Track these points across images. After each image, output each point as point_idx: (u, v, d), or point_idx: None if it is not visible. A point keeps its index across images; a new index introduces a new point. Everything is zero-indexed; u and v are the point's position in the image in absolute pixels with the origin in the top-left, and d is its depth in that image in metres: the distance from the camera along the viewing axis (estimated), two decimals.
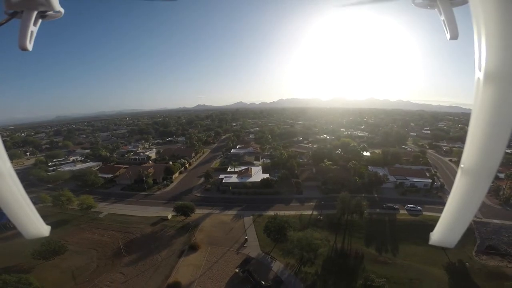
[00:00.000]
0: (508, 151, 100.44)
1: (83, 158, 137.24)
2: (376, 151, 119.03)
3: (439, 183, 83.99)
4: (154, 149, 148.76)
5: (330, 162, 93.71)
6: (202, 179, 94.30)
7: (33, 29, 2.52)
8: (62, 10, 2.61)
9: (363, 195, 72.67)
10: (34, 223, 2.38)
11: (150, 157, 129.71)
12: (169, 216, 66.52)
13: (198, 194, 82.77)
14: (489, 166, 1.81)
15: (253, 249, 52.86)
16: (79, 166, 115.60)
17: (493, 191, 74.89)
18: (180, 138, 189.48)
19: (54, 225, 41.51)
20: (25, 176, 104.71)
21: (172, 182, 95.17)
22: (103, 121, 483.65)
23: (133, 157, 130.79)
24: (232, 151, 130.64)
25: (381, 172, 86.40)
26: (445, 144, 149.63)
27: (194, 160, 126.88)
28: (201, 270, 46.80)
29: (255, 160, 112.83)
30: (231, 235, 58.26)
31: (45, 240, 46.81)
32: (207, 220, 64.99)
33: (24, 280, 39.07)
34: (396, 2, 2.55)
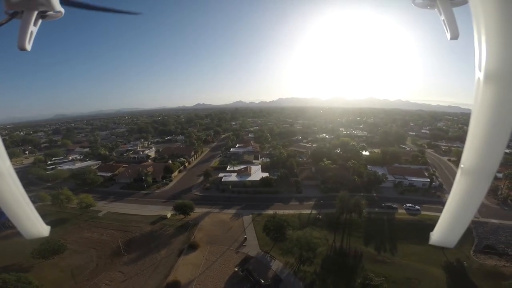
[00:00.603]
0: (507, 151, 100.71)
1: (82, 157, 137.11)
2: (375, 150, 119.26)
3: (438, 182, 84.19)
4: (153, 148, 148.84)
5: (329, 161, 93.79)
6: (202, 178, 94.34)
7: (33, 29, 2.52)
8: (63, 10, 2.59)
9: (362, 194, 72.85)
10: (33, 223, 2.37)
11: (149, 156, 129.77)
12: (169, 215, 66.54)
13: (197, 193, 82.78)
14: (489, 166, 1.81)
15: (253, 248, 52.93)
16: (78, 164, 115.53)
17: (491, 191, 75.06)
18: (180, 137, 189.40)
19: (53, 224, 41.54)
20: (24, 175, 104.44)
21: (171, 181, 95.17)
22: (102, 120, 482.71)
23: (133, 155, 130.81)
24: (231, 150, 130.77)
25: (380, 171, 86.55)
26: (444, 144, 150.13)
27: (193, 159, 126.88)
28: (200, 269, 46.84)
29: (254, 159, 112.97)
30: (231, 234, 58.30)
31: (45, 239, 46.70)
32: (206, 219, 65.02)
33: (23, 279, 39.03)
34: (396, 2, 2.54)
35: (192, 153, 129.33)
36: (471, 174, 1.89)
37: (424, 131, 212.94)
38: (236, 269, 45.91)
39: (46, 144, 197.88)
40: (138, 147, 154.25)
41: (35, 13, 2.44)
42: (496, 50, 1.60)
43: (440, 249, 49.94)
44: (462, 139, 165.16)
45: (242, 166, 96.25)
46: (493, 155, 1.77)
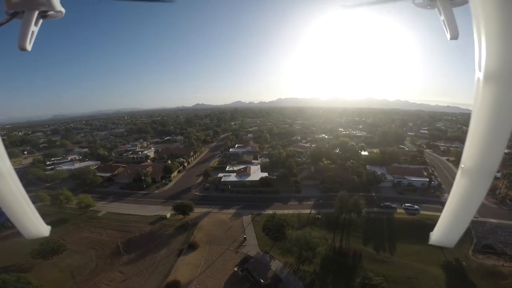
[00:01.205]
0: (506, 150, 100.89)
1: (81, 157, 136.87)
2: (374, 150, 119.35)
3: (437, 182, 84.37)
4: (152, 148, 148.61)
5: (328, 161, 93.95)
6: (201, 178, 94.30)
7: (33, 29, 2.50)
8: (63, 10, 2.58)
9: (361, 194, 73.00)
10: (34, 223, 2.38)
11: (148, 156, 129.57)
12: (168, 215, 66.48)
13: (196, 193, 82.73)
14: (489, 166, 1.81)
15: (252, 248, 52.94)
16: (77, 165, 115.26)
17: (490, 190, 75.20)
18: (179, 137, 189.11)
19: (52, 224, 40.77)
20: (23, 175, 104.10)
21: (170, 181, 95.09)
22: (101, 120, 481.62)
23: (132, 156, 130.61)
24: (230, 150, 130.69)
25: (379, 171, 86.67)
26: (442, 144, 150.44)
27: (192, 159, 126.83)
28: (200, 269, 46.83)
29: (253, 159, 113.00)
30: (230, 234, 58.30)
31: (44, 239, 46.64)
32: (206, 219, 64.99)
33: (23, 279, 38.99)
34: (396, 2, 2.55)
35: (191, 153, 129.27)
36: (471, 174, 1.89)
37: (423, 131, 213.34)
38: (236, 269, 45.95)
39: (45, 145, 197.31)
40: (137, 147, 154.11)
41: (36, 13, 2.43)
42: (496, 50, 1.60)
43: (439, 249, 49.97)
44: (461, 139, 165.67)
45: (241, 166, 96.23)
46: (493, 155, 1.77)
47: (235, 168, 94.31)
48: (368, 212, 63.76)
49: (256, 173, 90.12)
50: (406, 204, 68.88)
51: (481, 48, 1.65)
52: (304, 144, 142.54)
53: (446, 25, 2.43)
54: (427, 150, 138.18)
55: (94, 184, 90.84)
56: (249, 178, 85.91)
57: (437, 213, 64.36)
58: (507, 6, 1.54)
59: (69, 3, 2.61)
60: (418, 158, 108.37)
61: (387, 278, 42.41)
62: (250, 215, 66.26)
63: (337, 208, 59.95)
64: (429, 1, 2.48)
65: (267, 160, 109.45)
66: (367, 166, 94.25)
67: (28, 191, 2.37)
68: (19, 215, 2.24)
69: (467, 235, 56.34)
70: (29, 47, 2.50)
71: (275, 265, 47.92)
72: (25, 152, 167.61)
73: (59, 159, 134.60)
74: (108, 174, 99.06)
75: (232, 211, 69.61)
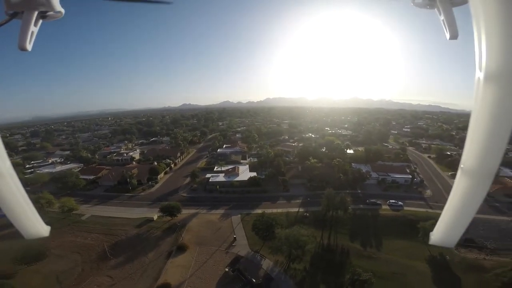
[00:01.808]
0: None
1: (63, 160, 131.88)
2: (359, 148, 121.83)
3: (419, 178, 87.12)
4: (138, 150, 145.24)
5: (315, 160, 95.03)
6: (188, 179, 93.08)
7: (33, 29, 2.52)
8: (63, 10, 2.58)
9: (347, 191, 74.45)
10: (33, 223, 2.40)
11: (133, 157, 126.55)
12: (155, 217, 65.13)
13: (184, 194, 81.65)
14: (489, 166, 1.82)
15: (242, 248, 52.82)
16: (58, 168, 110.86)
17: None
18: (165, 138, 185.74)
19: None
20: None
21: (157, 182, 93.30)
22: (83, 122, 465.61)
23: (116, 158, 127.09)
24: (218, 150, 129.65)
25: (364, 168, 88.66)
26: (424, 142, 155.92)
27: (179, 160, 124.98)
28: (190, 270, 46.23)
29: (242, 159, 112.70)
30: (220, 235, 57.92)
31: (27, 245, 45.07)
32: (194, 220, 64.24)
33: (7, 286, 38.02)
34: (394, 2, 2.56)
35: (178, 154, 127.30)
36: (471, 174, 1.89)
37: (406, 129, 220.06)
38: (227, 269, 45.69)
39: (24, 147, 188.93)
40: (122, 149, 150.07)
41: (36, 13, 2.45)
42: (496, 50, 1.60)
43: (424, 244, 51.56)
44: (441, 137, 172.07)
45: (229, 166, 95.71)
46: (493, 155, 1.78)
47: (223, 169, 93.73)
48: (354, 209, 65.11)
49: (244, 173, 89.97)
50: (390, 201, 70.77)
51: (481, 48, 1.66)
52: (291, 144, 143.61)
53: (446, 25, 2.45)
54: (410, 148, 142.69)
55: (77, 187, 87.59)
56: (238, 178, 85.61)
57: (420, 209, 66.64)
58: (507, 6, 1.54)
59: (70, 3, 2.62)
60: (401, 156, 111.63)
61: (374, 273, 43.29)
62: (239, 215, 66.07)
63: (324, 206, 60.87)
64: (428, 1, 2.50)
65: (255, 160, 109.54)
66: (353, 164, 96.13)
67: None
68: (19, 215, 2.26)
69: None
70: (29, 47, 2.52)
71: (266, 264, 48.02)
72: None
73: (39, 162, 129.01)
74: (91, 177, 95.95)
75: (221, 211, 69.17)
